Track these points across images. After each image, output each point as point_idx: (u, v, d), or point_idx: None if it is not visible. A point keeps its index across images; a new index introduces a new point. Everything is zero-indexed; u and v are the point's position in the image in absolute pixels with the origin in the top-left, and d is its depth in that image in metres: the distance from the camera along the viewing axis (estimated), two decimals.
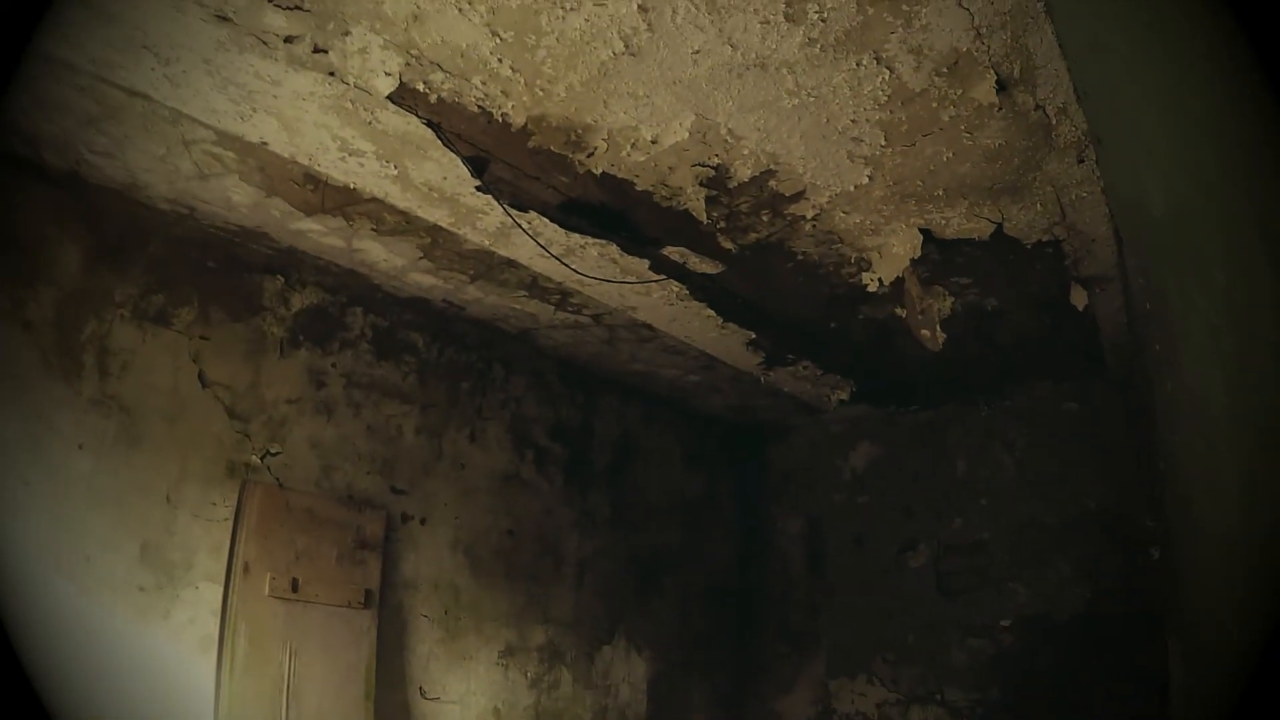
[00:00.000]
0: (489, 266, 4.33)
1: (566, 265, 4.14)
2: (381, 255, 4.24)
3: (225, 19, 2.65)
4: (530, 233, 3.86)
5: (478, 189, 3.60)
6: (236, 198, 3.80)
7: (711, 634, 6.29)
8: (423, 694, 4.42)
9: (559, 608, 5.28)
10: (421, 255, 4.25)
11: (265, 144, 3.35)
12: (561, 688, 5.08)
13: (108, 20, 2.67)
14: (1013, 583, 5.53)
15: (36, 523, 3.58)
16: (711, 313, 4.70)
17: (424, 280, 4.50)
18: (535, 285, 4.51)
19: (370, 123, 3.18)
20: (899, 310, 4.34)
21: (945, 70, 2.78)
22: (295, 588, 4.03)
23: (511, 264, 4.26)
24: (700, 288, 4.44)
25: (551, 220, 3.81)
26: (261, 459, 4.15)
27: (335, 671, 4.09)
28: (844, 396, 5.90)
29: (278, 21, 2.67)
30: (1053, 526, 5.45)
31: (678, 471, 6.41)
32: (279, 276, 4.35)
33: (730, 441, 6.90)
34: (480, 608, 4.77)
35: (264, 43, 2.77)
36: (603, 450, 5.87)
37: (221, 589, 3.92)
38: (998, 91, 2.83)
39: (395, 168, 3.48)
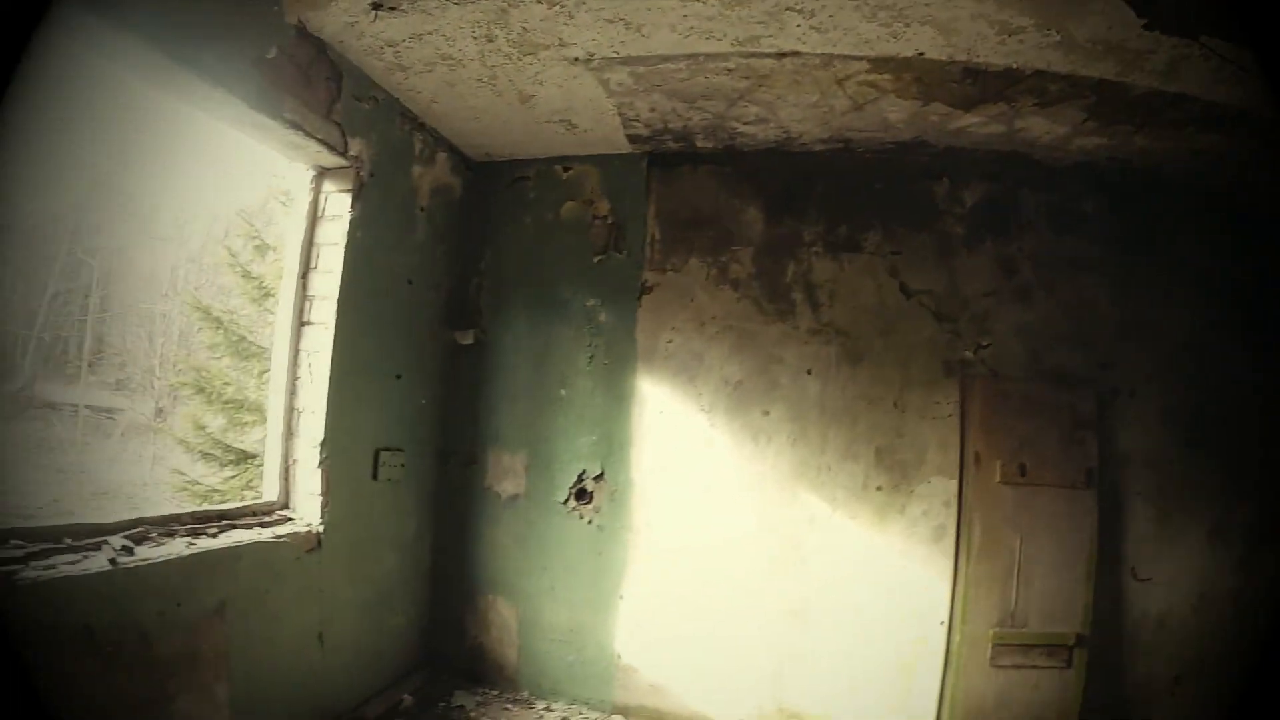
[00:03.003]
0: (1157, 109, 3.71)
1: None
2: (1043, 129, 3.96)
3: None
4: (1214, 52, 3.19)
5: (1144, 28, 3.12)
6: (893, 116, 3.91)
7: None
8: (1134, 575, 4.15)
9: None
10: (1086, 117, 3.85)
11: (921, 54, 3.36)
12: (1267, 571, 4.25)
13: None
14: None
15: (779, 445, 4.39)
16: None
17: (1088, 143, 4.07)
18: (1207, 118, 3.71)
19: None
20: None
21: None
22: (1023, 472, 4.12)
23: (1181, 99, 3.59)
24: None
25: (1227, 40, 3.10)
26: (974, 353, 4.29)
27: (1060, 552, 4.10)
28: None
29: None
30: None
31: None
32: (944, 178, 4.39)
33: None
34: (1189, 483, 4.23)
35: None
36: None
37: (953, 481, 4.21)
38: None
39: (1056, 33, 3.20)
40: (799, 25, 3.15)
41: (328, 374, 3.74)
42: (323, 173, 3.85)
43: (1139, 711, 4.12)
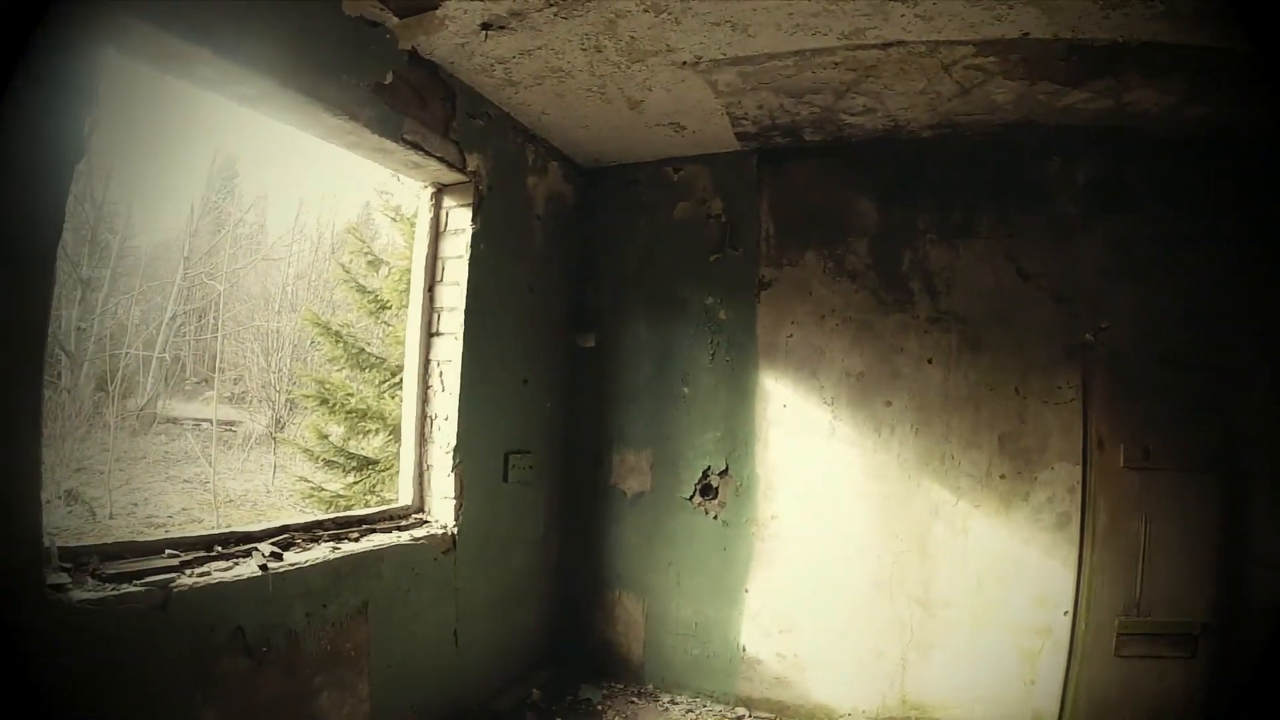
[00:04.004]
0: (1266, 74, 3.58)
1: None
2: (1153, 100, 3.85)
3: None
4: None
5: None
6: (1000, 97, 3.86)
7: None
8: (1260, 561, 3.96)
9: None
10: (1189, 86, 3.74)
11: (1026, 34, 3.33)
12: None
13: None
14: None
15: (902, 434, 4.39)
16: None
17: (1197, 111, 3.93)
18: None
19: None
20: None
21: None
22: (1147, 456, 4.01)
23: None
24: None
25: None
26: (1094, 336, 4.19)
27: (1184, 538, 3.96)
28: None
29: None
30: None
31: None
32: (1055, 157, 4.30)
33: None
34: None
35: None
36: None
37: (1077, 467, 4.12)
38: None
39: (1161, 3, 3.13)
40: (903, 15, 3.15)
41: (458, 382, 3.91)
42: (442, 189, 4.03)
43: (1269, 703, 3.95)
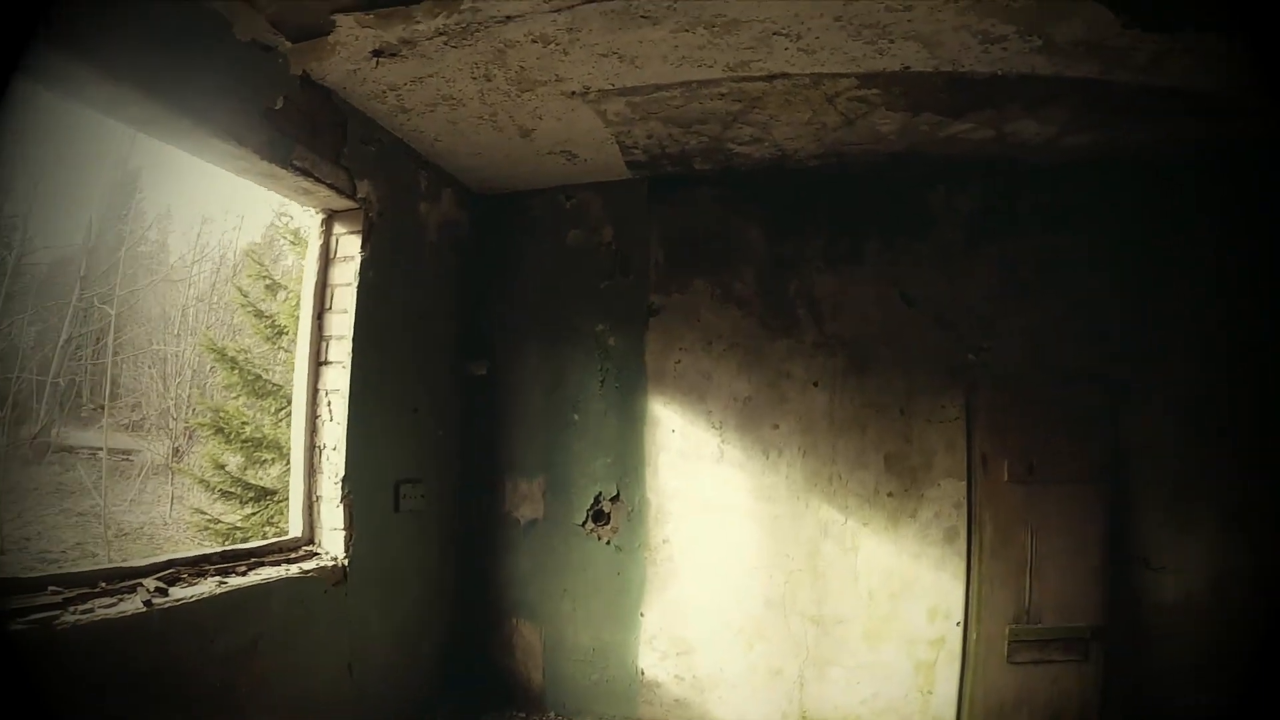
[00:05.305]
0: (1144, 103, 3.79)
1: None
2: (1033, 130, 4.04)
3: None
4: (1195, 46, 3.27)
5: (1124, 27, 3.20)
6: (885, 128, 4.00)
7: None
8: (1148, 564, 4.19)
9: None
10: (1074, 116, 3.93)
11: (907, 68, 3.45)
12: None
13: (735, 26, 3.07)
14: None
15: (790, 456, 4.47)
16: None
17: (1079, 140, 4.13)
18: (1196, 108, 3.80)
19: (1007, 6, 3.04)
20: None
21: None
22: (1031, 470, 4.19)
23: (1168, 92, 3.67)
24: None
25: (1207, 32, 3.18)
26: (976, 356, 4.37)
27: (1072, 547, 4.16)
28: None
29: None
30: None
31: None
32: (939, 186, 4.48)
33: None
34: (1200, 470, 4.25)
35: None
36: None
37: (962, 483, 4.29)
38: None
39: (1038, 38, 3.28)
40: (786, 48, 3.24)
41: (346, 412, 3.83)
42: (333, 215, 3.96)
43: (1160, 701, 4.15)
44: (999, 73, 3.50)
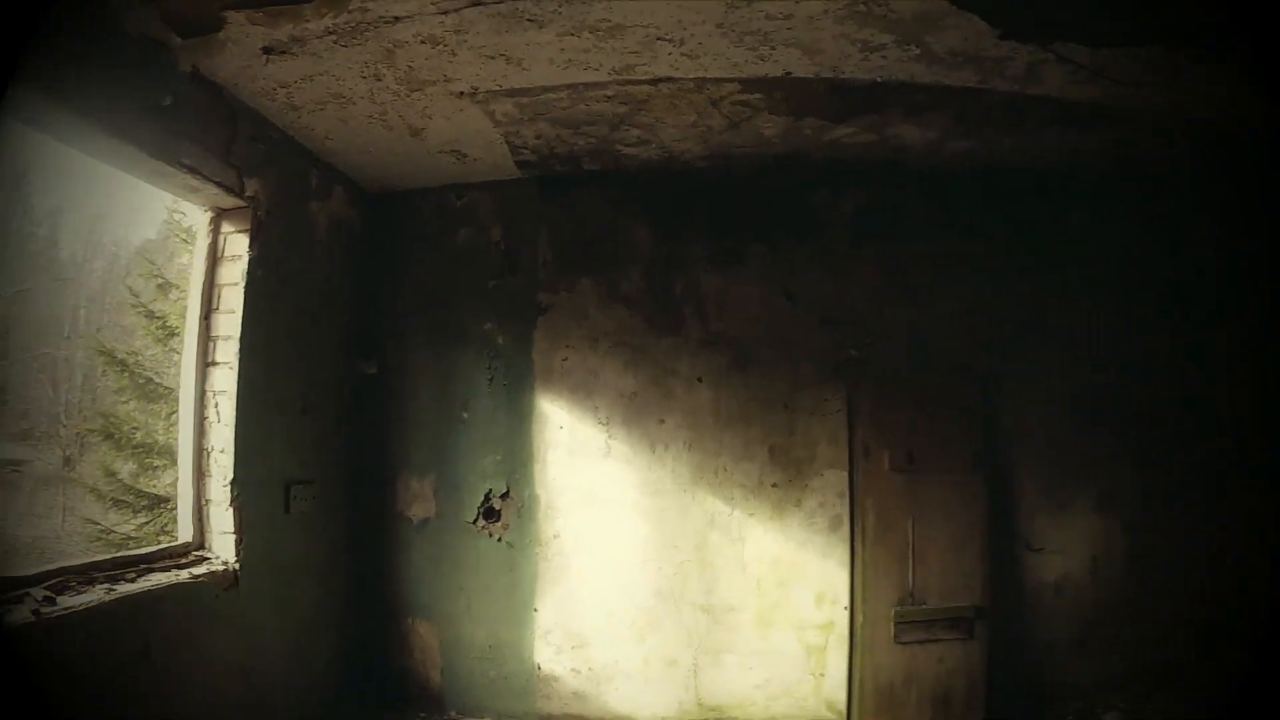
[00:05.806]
0: (1021, 111, 4.01)
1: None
2: (915, 136, 4.23)
3: None
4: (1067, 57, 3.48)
5: (1000, 38, 3.37)
6: (768, 131, 4.15)
7: None
8: (1028, 546, 4.50)
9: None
10: (954, 122, 4.12)
11: (789, 74, 3.57)
12: (1158, 533, 4.61)
13: (620, 31, 3.16)
14: None
15: (676, 450, 4.62)
16: None
17: (960, 146, 4.36)
18: (1070, 117, 4.04)
19: (884, 15, 3.17)
20: None
21: None
22: (911, 459, 4.41)
23: (1042, 100, 3.90)
24: None
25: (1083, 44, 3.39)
26: (859, 352, 4.58)
27: (952, 531, 4.40)
28: None
29: None
30: None
31: None
32: (823, 188, 4.67)
33: None
34: (1075, 457, 4.56)
35: None
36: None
37: (845, 473, 4.50)
38: None
39: (916, 47, 3.42)
40: (670, 53, 3.34)
41: (234, 414, 3.78)
42: (221, 214, 3.89)
43: (1045, 673, 4.42)
44: (879, 80, 3.64)
